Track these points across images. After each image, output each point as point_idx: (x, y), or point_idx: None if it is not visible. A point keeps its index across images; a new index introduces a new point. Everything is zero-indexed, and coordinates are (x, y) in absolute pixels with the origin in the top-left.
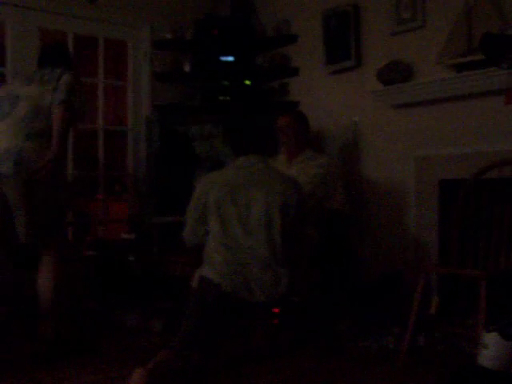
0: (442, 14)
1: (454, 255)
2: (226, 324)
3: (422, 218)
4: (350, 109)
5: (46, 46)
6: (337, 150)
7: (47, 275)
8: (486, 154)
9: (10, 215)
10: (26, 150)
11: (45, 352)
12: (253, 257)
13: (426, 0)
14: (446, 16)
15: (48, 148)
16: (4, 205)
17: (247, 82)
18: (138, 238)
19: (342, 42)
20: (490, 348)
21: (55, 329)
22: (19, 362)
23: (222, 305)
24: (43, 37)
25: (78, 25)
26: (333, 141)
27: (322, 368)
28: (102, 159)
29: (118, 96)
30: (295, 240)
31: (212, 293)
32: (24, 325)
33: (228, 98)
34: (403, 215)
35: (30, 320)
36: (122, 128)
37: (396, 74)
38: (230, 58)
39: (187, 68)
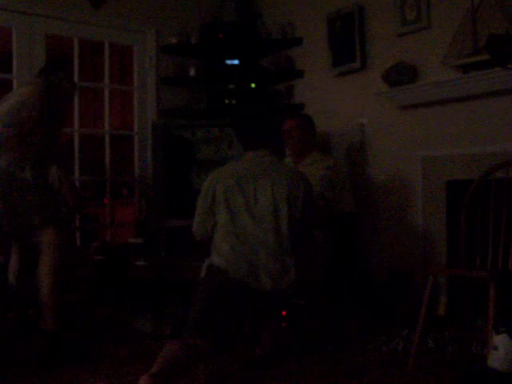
0: (447, 14)
1: (462, 256)
2: (234, 312)
3: (430, 219)
4: (356, 110)
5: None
6: (343, 152)
7: (46, 260)
8: (492, 155)
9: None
10: None
11: (48, 346)
12: (260, 245)
13: (431, 1)
14: (452, 16)
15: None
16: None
17: (253, 85)
18: (145, 242)
19: (347, 44)
20: (500, 350)
21: (56, 321)
22: (29, 366)
23: (229, 291)
24: (49, 43)
25: (83, 30)
26: (339, 143)
27: (331, 371)
28: (108, 164)
29: (124, 101)
30: (305, 241)
31: (219, 279)
32: (30, 330)
33: (234, 101)
34: (411, 216)
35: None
36: (128, 133)
37: (402, 75)
38: (236, 62)
39: (193, 72)
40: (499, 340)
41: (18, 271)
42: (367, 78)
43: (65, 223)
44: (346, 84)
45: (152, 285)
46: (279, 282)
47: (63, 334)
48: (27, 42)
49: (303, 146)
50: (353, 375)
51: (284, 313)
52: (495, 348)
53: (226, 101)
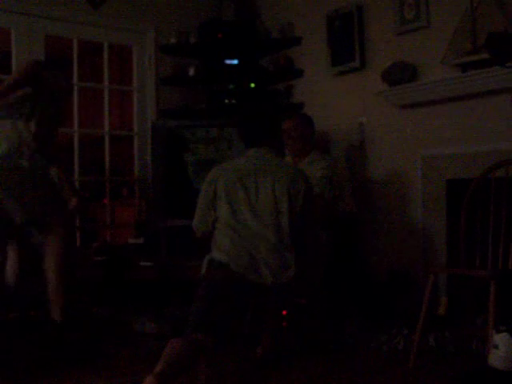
0: (446, 13)
1: (462, 255)
2: (235, 307)
3: (430, 218)
4: (355, 110)
5: None
6: (343, 151)
7: (52, 253)
8: (492, 153)
9: None
10: None
11: (55, 337)
12: (260, 240)
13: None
14: (451, 15)
15: None
16: None
17: (252, 85)
18: (145, 243)
19: (346, 44)
20: (501, 348)
21: (64, 313)
22: (29, 367)
23: (230, 285)
24: (49, 44)
25: (83, 31)
26: (339, 142)
27: (332, 371)
28: (108, 164)
29: (124, 101)
30: (308, 242)
31: (220, 273)
32: (31, 331)
33: (233, 101)
34: (411, 215)
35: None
36: (127, 133)
37: (401, 74)
38: (235, 62)
39: (192, 72)
40: (500, 339)
41: (17, 272)
42: (366, 78)
43: (68, 221)
44: (345, 83)
45: (153, 285)
46: (279, 277)
47: (65, 334)
48: (27, 42)
49: (303, 146)
50: (354, 374)
51: (284, 312)
52: (496, 347)
53: (226, 100)
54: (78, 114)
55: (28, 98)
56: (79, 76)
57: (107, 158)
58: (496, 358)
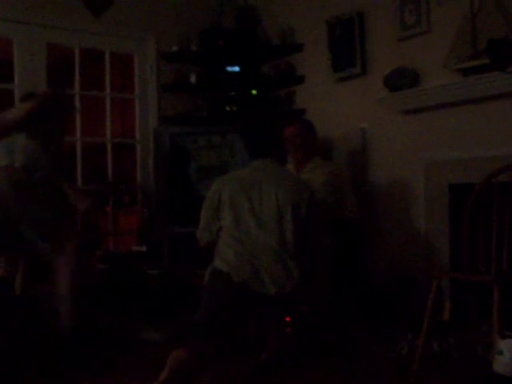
0: (446, 18)
1: (466, 260)
2: (238, 317)
3: (433, 223)
4: (357, 115)
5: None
6: (345, 157)
7: (65, 271)
8: (495, 158)
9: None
10: None
11: (70, 340)
12: (264, 250)
13: (431, 5)
14: (451, 20)
15: None
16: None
17: (253, 92)
18: (149, 250)
19: (348, 49)
20: (506, 354)
21: (75, 318)
22: (32, 376)
23: (232, 295)
24: (50, 53)
25: (84, 39)
26: (341, 148)
27: (336, 376)
28: (110, 172)
29: (126, 109)
30: (313, 250)
31: (222, 282)
32: (35, 338)
33: (235, 108)
34: (413, 220)
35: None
36: (130, 140)
37: (402, 79)
38: (236, 69)
39: (193, 79)
40: (504, 345)
41: (23, 281)
42: (368, 83)
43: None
44: (346, 89)
45: (157, 293)
46: (282, 286)
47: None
48: (28, 51)
49: (304, 152)
50: (357, 380)
51: (288, 318)
52: (500, 353)
53: (227, 107)
54: (80, 122)
55: (41, 114)
56: (81, 84)
57: (110, 166)
58: (501, 364)
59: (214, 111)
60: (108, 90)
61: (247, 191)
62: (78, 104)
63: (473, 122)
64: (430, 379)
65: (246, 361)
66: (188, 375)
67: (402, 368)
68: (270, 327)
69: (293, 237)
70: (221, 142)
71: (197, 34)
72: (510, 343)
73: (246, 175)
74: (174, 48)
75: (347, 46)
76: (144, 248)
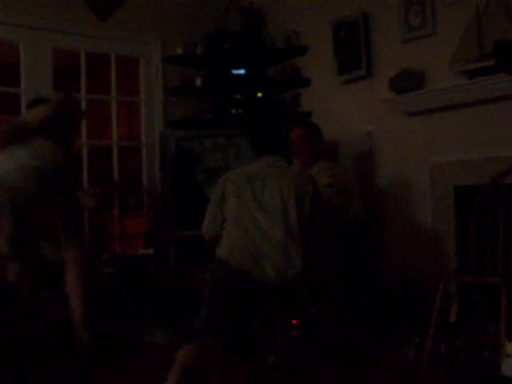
0: (452, 20)
1: (473, 263)
2: (239, 306)
3: (439, 225)
4: (363, 118)
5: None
6: (351, 160)
7: (73, 269)
8: (500, 160)
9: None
10: None
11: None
12: (267, 237)
13: (436, 6)
14: (457, 22)
15: None
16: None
17: (259, 95)
18: (156, 253)
19: (353, 52)
20: None
21: (88, 326)
22: (38, 380)
23: (233, 282)
24: (56, 57)
25: (90, 43)
26: (347, 150)
27: (343, 379)
28: (116, 175)
29: (132, 112)
30: (318, 243)
31: (222, 270)
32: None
33: (240, 110)
34: (419, 222)
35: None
36: (135, 144)
37: (408, 82)
38: (242, 71)
39: (199, 82)
40: None
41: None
42: (373, 85)
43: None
44: (352, 91)
45: (164, 295)
46: (283, 274)
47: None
48: (34, 56)
49: (311, 155)
50: (364, 383)
51: (295, 321)
52: (508, 356)
53: (233, 110)
54: (86, 125)
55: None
56: (87, 88)
57: (116, 169)
58: (509, 367)
59: (219, 114)
60: (114, 94)
61: (252, 183)
62: (84, 107)
63: (479, 124)
64: (438, 382)
65: (254, 363)
66: (197, 372)
67: (409, 371)
68: (277, 326)
69: (297, 227)
70: (227, 145)
71: (202, 37)
72: None
73: (251, 169)
74: (180, 51)
75: (352, 49)
76: (151, 251)
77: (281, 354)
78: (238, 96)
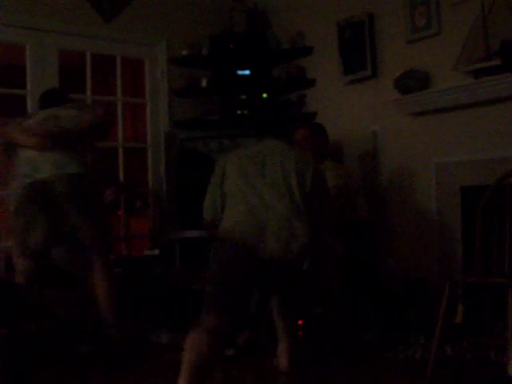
0: (457, 20)
1: (479, 263)
2: (246, 283)
3: (445, 226)
4: (368, 118)
5: (44, 93)
6: (356, 160)
7: (102, 276)
8: (506, 160)
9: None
10: None
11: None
12: (271, 210)
13: (441, 7)
14: (462, 22)
15: None
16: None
17: (264, 95)
18: (161, 254)
19: (358, 52)
20: None
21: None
22: (43, 379)
23: (237, 258)
24: (62, 58)
25: (95, 45)
26: (352, 151)
27: (349, 380)
28: (122, 175)
29: (137, 113)
30: (321, 219)
31: (225, 246)
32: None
33: (246, 111)
34: (425, 223)
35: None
36: (141, 145)
37: (413, 82)
38: (247, 72)
39: (204, 83)
40: None
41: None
42: (379, 86)
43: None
44: (357, 92)
45: (169, 296)
46: (287, 247)
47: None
48: (40, 57)
49: (314, 155)
50: None
51: (300, 322)
52: None
53: (238, 111)
54: None
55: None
56: (92, 89)
57: (121, 170)
58: None
59: (224, 115)
60: (119, 95)
61: (253, 159)
62: None
63: (484, 124)
64: (444, 383)
65: (259, 365)
66: (210, 363)
67: (415, 372)
68: (280, 325)
69: (301, 201)
70: (232, 146)
71: (207, 38)
72: None
73: (252, 149)
74: (185, 52)
75: (358, 49)
76: (157, 252)
77: (286, 356)
78: (243, 97)
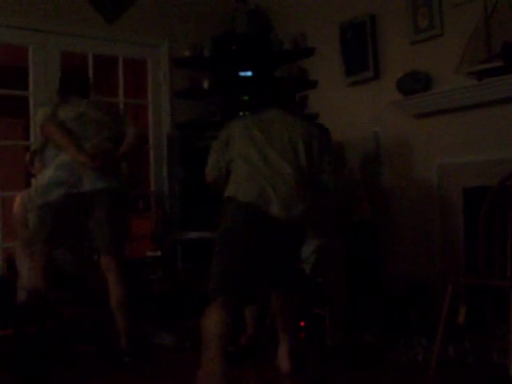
0: (460, 21)
1: (481, 264)
2: (251, 253)
3: (447, 227)
4: (370, 119)
5: (66, 75)
6: (358, 161)
7: (118, 281)
8: (509, 161)
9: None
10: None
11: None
12: (277, 171)
13: (444, 8)
14: (465, 23)
15: None
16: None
17: None
18: (163, 255)
19: (360, 53)
20: None
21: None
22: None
23: (241, 220)
24: (64, 60)
25: (98, 46)
26: (354, 152)
27: (351, 381)
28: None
29: (139, 114)
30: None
31: (230, 211)
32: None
33: (248, 113)
34: (428, 224)
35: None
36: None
37: (416, 83)
38: (249, 73)
39: (206, 84)
40: None
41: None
42: (381, 87)
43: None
44: (359, 93)
45: (171, 297)
46: (291, 209)
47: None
48: (43, 59)
49: None
50: None
51: (302, 323)
52: None
53: (241, 112)
54: None
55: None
56: (95, 90)
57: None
58: None
59: (227, 116)
60: (121, 96)
61: (259, 124)
62: None
63: (487, 125)
64: None
65: (260, 365)
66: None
67: (417, 374)
68: (281, 327)
69: (306, 165)
70: None
71: (209, 39)
72: None
73: (259, 116)
74: (187, 54)
75: (360, 50)
76: (159, 253)
77: (287, 357)
78: (246, 98)
